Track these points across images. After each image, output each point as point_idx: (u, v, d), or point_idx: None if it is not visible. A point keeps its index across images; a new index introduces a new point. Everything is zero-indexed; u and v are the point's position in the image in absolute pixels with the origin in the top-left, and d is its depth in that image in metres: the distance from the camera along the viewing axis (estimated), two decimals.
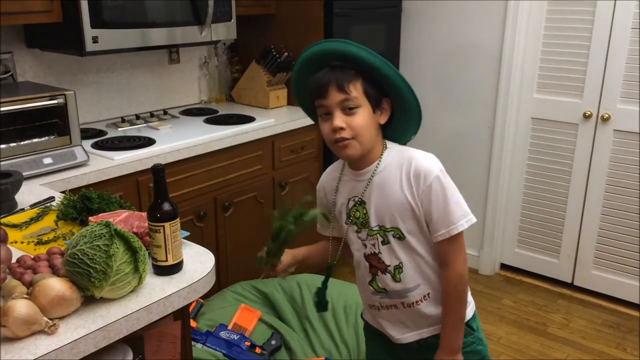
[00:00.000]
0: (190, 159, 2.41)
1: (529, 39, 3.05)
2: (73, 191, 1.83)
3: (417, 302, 1.47)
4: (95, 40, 2.20)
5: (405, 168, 1.39)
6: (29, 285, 1.16)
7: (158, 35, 2.44)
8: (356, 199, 1.47)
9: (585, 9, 2.86)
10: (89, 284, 1.13)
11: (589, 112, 2.97)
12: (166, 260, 1.28)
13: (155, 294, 1.22)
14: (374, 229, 1.45)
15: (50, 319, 1.08)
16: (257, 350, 2.15)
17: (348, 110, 1.36)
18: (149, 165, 2.17)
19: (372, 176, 1.43)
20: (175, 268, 1.31)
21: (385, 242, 1.44)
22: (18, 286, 1.14)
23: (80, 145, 2.13)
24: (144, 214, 1.41)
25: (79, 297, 1.13)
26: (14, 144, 1.96)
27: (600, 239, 3.09)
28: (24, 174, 1.79)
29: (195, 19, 2.57)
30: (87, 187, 1.97)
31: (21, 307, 1.05)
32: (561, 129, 3.09)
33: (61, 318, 1.11)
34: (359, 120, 1.36)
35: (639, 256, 2.98)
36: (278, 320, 2.40)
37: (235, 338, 2.18)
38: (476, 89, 3.25)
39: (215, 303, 2.44)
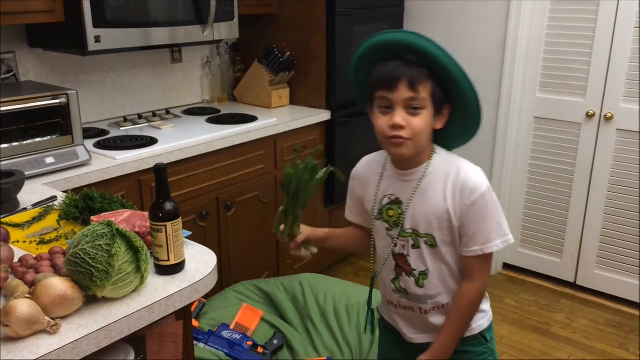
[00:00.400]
0: (192, 158, 2.41)
1: (532, 39, 3.04)
2: (75, 191, 1.83)
3: (433, 309, 1.45)
4: (97, 39, 2.20)
5: (452, 178, 1.36)
6: (31, 284, 1.16)
7: (160, 35, 2.44)
8: (393, 197, 1.43)
9: (589, 8, 2.86)
10: (90, 283, 1.13)
11: (591, 112, 2.96)
12: (168, 260, 1.28)
13: (157, 294, 1.22)
14: (407, 231, 1.41)
15: (52, 319, 1.07)
16: (260, 349, 2.15)
17: (412, 109, 1.30)
18: (151, 165, 2.15)
19: (420, 179, 1.38)
20: (177, 268, 1.31)
21: (416, 246, 1.41)
22: (20, 286, 1.14)
23: (83, 144, 2.13)
24: (146, 214, 1.42)
25: (80, 297, 1.13)
26: (17, 144, 1.96)
27: (603, 239, 3.08)
28: (26, 173, 1.79)
29: (197, 19, 2.57)
30: (89, 186, 1.97)
31: (23, 306, 1.05)
32: (564, 129, 3.08)
33: (63, 318, 1.11)
34: (420, 122, 1.31)
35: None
36: (280, 319, 2.40)
37: (238, 337, 2.18)
38: (479, 88, 3.24)
39: (218, 302, 2.44)
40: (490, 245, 1.35)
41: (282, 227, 1.46)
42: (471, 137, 1.43)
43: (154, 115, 2.82)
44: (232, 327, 2.26)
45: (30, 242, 1.47)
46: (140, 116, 2.77)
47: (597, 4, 2.83)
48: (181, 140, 2.42)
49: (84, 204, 1.56)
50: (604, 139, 2.96)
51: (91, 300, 1.16)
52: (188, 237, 1.46)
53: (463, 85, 1.31)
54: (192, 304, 1.35)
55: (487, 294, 1.48)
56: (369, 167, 1.51)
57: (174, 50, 2.99)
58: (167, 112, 2.89)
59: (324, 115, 3.03)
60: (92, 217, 1.45)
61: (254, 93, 3.16)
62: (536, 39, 3.04)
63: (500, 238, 1.36)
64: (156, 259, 1.29)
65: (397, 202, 1.42)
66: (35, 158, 1.99)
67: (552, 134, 3.12)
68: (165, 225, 1.25)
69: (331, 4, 2.92)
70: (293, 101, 3.20)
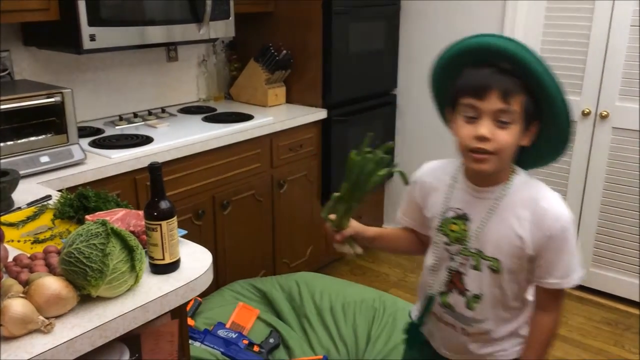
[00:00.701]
0: (188, 157, 2.40)
1: (528, 38, 3.04)
2: (70, 190, 1.83)
3: (475, 334, 1.39)
4: (92, 38, 2.19)
5: (532, 204, 1.27)
6: (25, 284, 1.15)
7: (156, 33, 2.43)
8: (460, 212, 1.34)
9: (584, 6, 2.86)
10: (85, 282, 1.12)
11: (587, 110, 2.96)
12: (163, 259, 1.28)
13: (152, 293, 1.22)
14: (471, 250, 1.33)
15: (47, 318, 1.07)
16: (256, 348, 2.15)
17: (500, 122, 1.20)
18: (147, 164, 2.16)
19: (497, 199, 1.29)
20: (172, 266, 1.30)
21: (477, 268, 1.33)
22: (14, 285, 1.14)
23: (78, 143, 2.12)
24: (141, 213, 1.41)
25: (75, 296, 1.13)
26: (11, 142, 1.96)
27: (599, 237, 3.09)
28: (20, 172, 1.78)
29: (193, 17, 2.56)
30: (84, 185, 1.97)
31: (17, 306, 1.04)
32: None
33: (57, 317, 1.10)
34: (507, 137, 1.21)
35: (638, 254, 2.98)
36: (276, 318, 2.40)
37: (234, 336, 2.18)
38: None
39: (214, 301, 2.44)
40: (569, 279, 1.29)
41: (332, 216, 1.38)
42: (555, 159, 1.34)
43: (150, 113, 2.81)
44: (228, 325, 2.25)
45: (25, 241, 1.46)
46: (135, 115, 2.76)
47: (592, 3, 2.83)
48: (177, 139, 2.41)
49: (78, 203, 1.55)
50: (599, 137, 2.97)
51: (86, 299, 1.16)
52: (184, 236, 1.46)
53: (557, 101, 1.22)
54: (187, 302, 1.34)
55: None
56: (435, 175, 1.42)
57: (170, 49, 2.98)
58: (163, 110, 2.89)
59: (320, 114, 3.03)
60: (87, 216, 1.45)
61: (250, 91, 3.15)
62: (532, 38, 3.04)
63: (576, 273, 1.29)
64: (151, 257, 1.28)
65: (464, 217, 1.33)
66: (30, 157, 1.98)
67: None
68: (160, 224, 1.24)
69: (327, 3, 2.92)
70: (289, 100, 3.19)
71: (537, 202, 1.27)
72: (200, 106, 3.07)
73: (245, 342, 2.17)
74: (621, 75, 2.83)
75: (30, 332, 1.06)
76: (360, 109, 3.26)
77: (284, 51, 3.02)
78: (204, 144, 2.45)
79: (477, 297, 1.35)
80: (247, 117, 2.80)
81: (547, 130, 1.27)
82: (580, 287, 3.21)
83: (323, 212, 1.41)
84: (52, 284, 1.10)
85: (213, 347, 2.13)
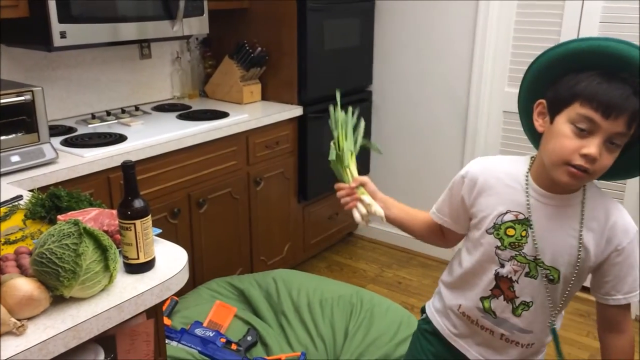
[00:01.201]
0: (163, 155, 2.38)
1: (500, 36, 3.08)
2: (42, 190, 1.80)
3: (517, 343, 1.35)
4: (63, 35, 2.16)
5: (602, 216, 1.23)
6: None
7: (128, 30, 2.40)
8: (521, 216, 1.26)
9: (555, 3, 2.91)
10: (57, 283, 1.11)
11: None
12: (137, 258, 1.27)
13: (127, 293, 1.21)
14: (528, 257, 1.26)
15: (19, 320, 1.06)
16: (233, 346, 2.15)
17: (611, 144, 1.12)
18: (120, 162, 2.14)
19: (567, 207, 1.24)
20: (147, 266, 1.29)
21: (532, 275, 1.27)
22: None
23: (49, 142, 2.09)
24: (115, 212, 1.40)
25: (47, 297, 1.11)
26: None
27: None
28: None
29: (166, 14, 2.54)
30: (56, 185, 1.94)
31: None
32: None
33: (30, 319, 1.09)
34: (611, 160, 1.14)
35: None
36: (254, 316, 2.40)
37: (211, 335, 2.17)
38: (448, 85, 3.28)
39: (190, 300, 2.43)
40: (634, 294, 1.25)
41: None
42: (628, 177, 1.29)
43: (123, 111, 2.78)
44: (205, 324, 2.24)
45: None
46: (108, 113, 2.72)
47: (562, 2, 2.88)
48: (151, 137, 2.39)
49: (50, 202, 1.53)
50: None
51: (58, 300, 1.15)
52: (160, 235, 1.45)
53: None
54: (163, 302, 1.33)
55: None
56: (491, 173, 1.32)
57: (143, 46, 2.95)
58: (137, 108, 2.85)
59: (296, 111, 3.02)
60: (59, 216, 1.42)
61: (225, 89, 3.13)
62: (504, 37, 3.08)
63: None
64: (125, 257, 1.27)
65: (524, 222, 1.26)
66: (0, 156, 1.95)
67: (521, 127, 3.16)
68: (134, 223, 1.23)
69: None
70: (265, 97, 3.18)
71: (607, 215, 1.23)
72: (175, 104, 3.04)
73: (223, 340, 2.16)
74: None
75: (1, 335, 1.04)
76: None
77: (259, 48, 3.01)
78: (179, 142, 2.43)
79: (526, 304, 1.30)
80: (223, 115, 2.79)
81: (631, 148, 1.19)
82: None
83: (331, 156, 1.42)
84: (23, 285, 1.08)
85: (190, 346, 2.12)
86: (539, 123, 1.24)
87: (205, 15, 2.71)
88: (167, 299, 1.55)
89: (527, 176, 1.28)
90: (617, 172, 1.23)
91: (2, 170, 1.93)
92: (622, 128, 1.11)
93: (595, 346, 2.74)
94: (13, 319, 1.05)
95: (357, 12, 3.30)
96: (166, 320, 2.20)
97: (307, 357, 2.22)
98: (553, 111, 1.19)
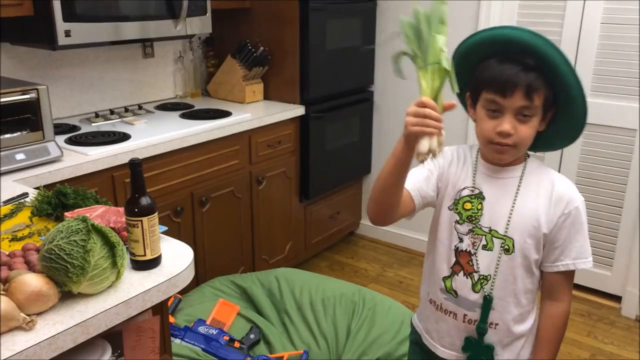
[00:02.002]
0: (166, 154, 2.39)
1: None
2: (47, 187, 1.81)
3: (476, 322, 1.36)
4: (67, 34, 2.17)
5: (548, 186, 1.32)
6: (5, 281, 1.14)
7: (132, 29, 2.41)
8: (475, 190, 1.35)
9: (556, 4, 2.92)
10: (66, 279, 1.12)
11: None
12: (144, 255, 1.28)
13: (134, 289, 1.22)
14: (483, 229, 1.33)
15: (28, 315, 1.07)
16: (236, 344, 2.16)
17: (522, 116, 1.24)
18: (125, 161, 2.15)
19: (513, 178, 1.33)
20: (154, 262, 1.30)
21: (488, 247, 1.33)
22: None
23: (54, 140, 2.10)
24: (121, 209, 1.41)
25: (56, 293, 1.12)
26: None
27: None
28: None
29: (169, 13, 2.55)
30: (61, 182, 1.95)
31: None
32: None
33: (39, 314, 1.10)
34: (528, 130, 1.25)
35: (610, 246, 3.06)
36: (257, 314, 2.41)
37: (214, 333, 2.18)
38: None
39: (194, 298, 2.44)
40: (583, 260, 1.31)
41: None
42: (567, 145, 1.37)
43: (126, 110, 2.79)
44: (208, 322, 2.26)
45: (2, 239, 1.44)
46: (112, 112, 2.74)
47: (564, 3, 2.89)
48: (154, 136, 2.40)
49: (56, 200, 1.54)
50: None
51: (67, 296, 1.16)
52: (163, 233, 1.46)
53: (577, 99, 1.25)
54: (168, 299, 1.35)
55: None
56: (462, 154, 1.42)
57: (146, 45, 2.96)
58: (140, 107, 2.86)
59: (298, 110, 3.04)
60: (66, 213, 1.44)
61: (227, 88, 3.14)
62: None
63: (589, 255, 1.32)
64: (132, 254, 1.28)
65: (479, 196, 1.34)
66: (6, 154, 1.95)
67: None
68: (141, 220, 1.24)
69: None
70: (267, 96, 3.19)
71: (552, 184, 1.32)
72: (177, 103, 3.06)
73: (226, 338, 2.17)
74: (592, 72, 2.90)
75: (11, 330, 1.05)
76: (337, 106, 3.28)
77: (262, 48, 3.02)
78: (182, 140, 2.44)
79: (484, 278, 1.33)
80: (225, 114, 2.80)
81: (562, 114, 1.29)
82: None
83: (394, 59, 1.33)
84: (33, 281, 1.09)
85: (194, 344, 2.13)
86: (471, 113, 1.36)
87: (208, 14, 2.72)
88: (171, 296, 1.56)
89: (477, 155, 1.40)
90: (557, 138, 1.34)
91: (8, 168, 1.94)
92: (522, 101, 1.22)
93: (596, 346, 2.75)
94: (23, 314, 1.06)
95: (359, 12, 3.31)
96: (170, 318, 2.21)
97: (309, 355, 2.23)
98: (473, 100, 1.33)
